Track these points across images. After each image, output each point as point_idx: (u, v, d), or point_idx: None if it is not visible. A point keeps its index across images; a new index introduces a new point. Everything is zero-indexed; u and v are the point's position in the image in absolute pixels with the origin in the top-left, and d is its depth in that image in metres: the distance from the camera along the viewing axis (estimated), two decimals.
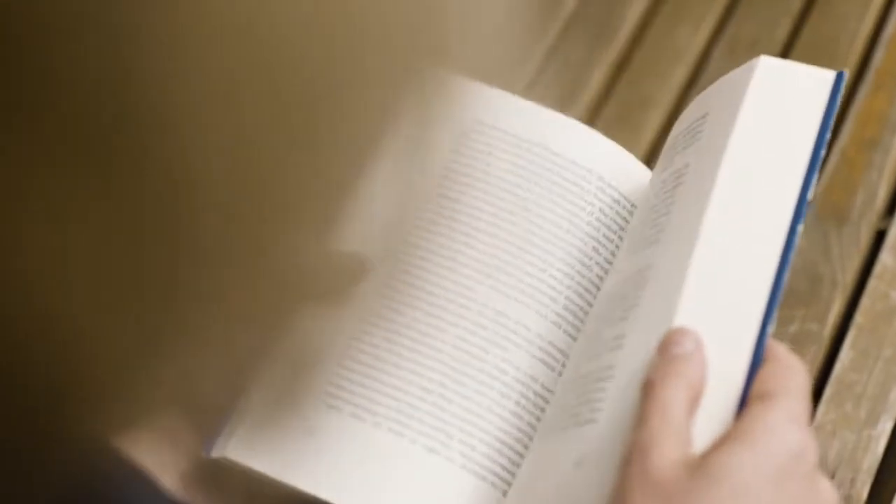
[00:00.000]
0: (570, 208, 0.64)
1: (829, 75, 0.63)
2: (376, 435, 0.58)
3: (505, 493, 0.58)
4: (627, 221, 0.66)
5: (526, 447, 0.59)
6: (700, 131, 0.63)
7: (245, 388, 0.58)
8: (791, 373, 0.53)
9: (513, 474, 0.58)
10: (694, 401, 0.52)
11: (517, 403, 0.60)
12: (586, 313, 0.62)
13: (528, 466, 0.58)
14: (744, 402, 0.53)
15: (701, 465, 0.49)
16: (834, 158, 1.01)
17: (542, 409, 0.60)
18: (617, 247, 0.65)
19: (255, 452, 0.58)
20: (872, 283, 0.93)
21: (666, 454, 0.49)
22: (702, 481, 0.48)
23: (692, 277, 0.56)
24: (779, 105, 0.62)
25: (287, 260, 0.29)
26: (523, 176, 0.65)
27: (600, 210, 0.65)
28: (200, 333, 0.28)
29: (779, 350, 0.55)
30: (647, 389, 0.52)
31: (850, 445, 0.85)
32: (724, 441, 0.50)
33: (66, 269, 0.25)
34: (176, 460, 0.58)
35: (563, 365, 0.61)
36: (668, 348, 0.53)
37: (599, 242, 0.64)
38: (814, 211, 0.97)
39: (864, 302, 0.92)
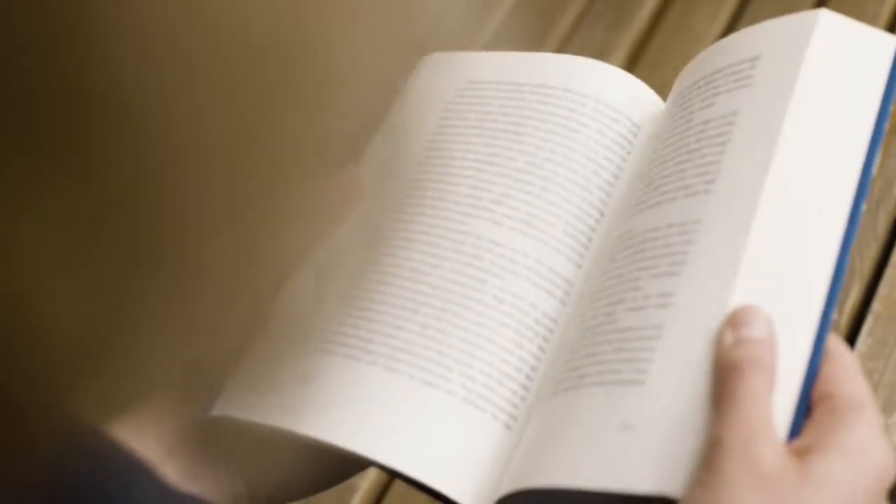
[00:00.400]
0: (565, 134, 0.63)
1: (891, 41, 0.58)
2: (372, 373, 0.57)
3: (508, 427, 0.57)
4: (629, 140, 0.64)
5: (529, 378, 0.58)
6: (750, 76, 0.59)
7: (242, 353, 0.58)
8: (859, 372, 0.52)
9: (515, 406, 0.57)
10: (771, 390, 0.51)
11: (517, 332, 0.58)
12: (590, 238, 0.61)
13: (549, 413, 0.56)
14: (807, 393, 0.51)
15: (806, 469, 0.48)
16: None
17: (545, 338, 0.59)
18: (619, 167, 0.63)
19: (253, 406, 0.57)
20: (890, 272, 0.92)
21: (769, 448, 0.48)
22: (805, 485, 0.47)
23: (751, 253, 0.54)
24: (842, 66, 0.58)
25: (277, 229, 0.28)
26: (516, 114, 0.64)
27: (598, 131, 0.63)
28: (187, 311, 0.28)
29: (841, 345, 0.53)
30: (731, 373, 0.50)
31: None
32: (825, 449, 0.48)
33: (39, 252, 0.25)
34: (176, 449, 0.58)
35: (567, 293, 0.60)
36: (739, 329, 0.51)
37: (599, 164, 0.63)
38: None
39: (882, 290, 0.91)
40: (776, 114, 0.57)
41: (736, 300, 0.53)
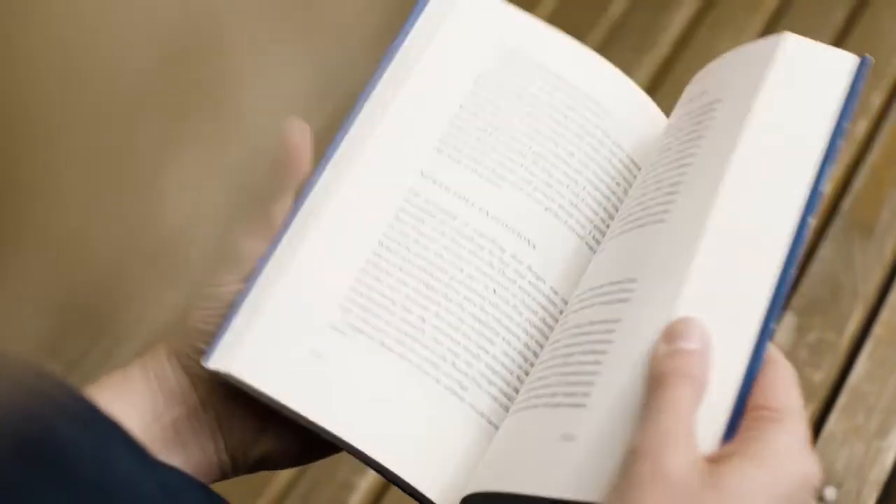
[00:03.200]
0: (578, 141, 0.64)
1: (851, 59, 0.59)
2: (385, 362, 0.58)
3: (494, 428, 0.58)
4: (622, 166, 0.65)
5: (518, 380, 0.60)
6: (714, 109, 0.61)
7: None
8: (794, 385, 0.52)
9: (504, 408, 0.59)
10: (699, 400, 0.52)
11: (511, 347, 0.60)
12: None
13: (506, 428, 0.58)
14: (741, 404, 0.52)
15: (715, 477, 0.49)
16: (864, 173, 1.00)
17: (532, 351, 0.60)
18: (613, 192, 0.64)
19: (256, 368, 0.56)
20: (893, 296, 0.93)
21: (680, 455, 0.49)
22: (713, 492, 0.48)
23: (697, 266, 0.55)
24: (800, 87, 0.59)
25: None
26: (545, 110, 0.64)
27: (612, 147, 0.64)
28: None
29: (779, 355, 0.54)
30: (657, 384, 0.51)
31: (858, 456, 0.85)
32: (739, 458, 0.49)
33: None
34: (162, 415, 0.59)
35: (555, 307, 0.61)
36: (674, 340, 0.52)
37: (593, 185, 0.64)
38: (840, 222, 0.97)
39: (884, 314, 0.92)
40: (731, 135, 0.58)
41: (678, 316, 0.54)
